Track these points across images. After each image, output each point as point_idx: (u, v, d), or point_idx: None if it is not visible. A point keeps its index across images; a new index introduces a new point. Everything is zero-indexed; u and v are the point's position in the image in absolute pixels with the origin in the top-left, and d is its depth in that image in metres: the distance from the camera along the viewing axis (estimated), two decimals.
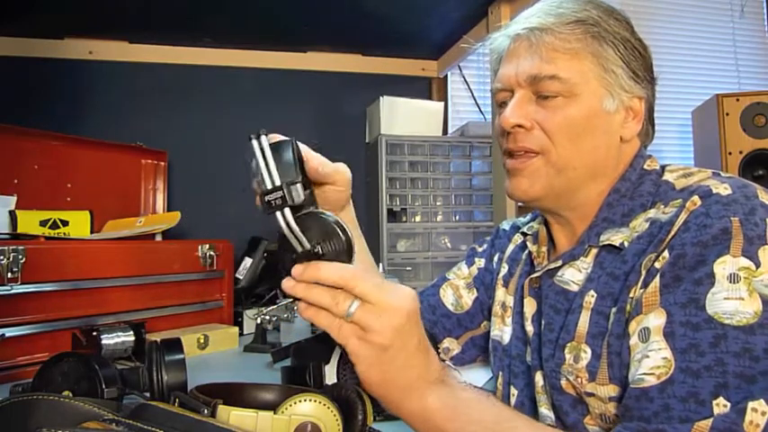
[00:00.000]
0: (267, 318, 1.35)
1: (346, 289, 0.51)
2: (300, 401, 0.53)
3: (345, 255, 0.53)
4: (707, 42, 2.49)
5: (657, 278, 0.56)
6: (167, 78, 1.92)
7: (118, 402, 0.65)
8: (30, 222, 1.44)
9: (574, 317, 0.65)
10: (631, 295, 0.59)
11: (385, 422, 0.73)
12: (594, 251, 0.67)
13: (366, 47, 2.06)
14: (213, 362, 1.24)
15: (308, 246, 0.52)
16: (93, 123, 1.81)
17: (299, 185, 0.53)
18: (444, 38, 1.93)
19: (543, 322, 0.70)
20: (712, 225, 0.54)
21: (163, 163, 1.84)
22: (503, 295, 0.82)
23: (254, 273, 1.62)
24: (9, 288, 1.05)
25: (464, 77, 2.20)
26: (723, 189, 0.57)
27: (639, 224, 0.63)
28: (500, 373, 0.80)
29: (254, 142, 0.54)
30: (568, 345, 0.65)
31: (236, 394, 0.61)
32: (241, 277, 1.60)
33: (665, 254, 0.56)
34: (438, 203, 1.91)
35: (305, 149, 0.63)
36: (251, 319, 1.45)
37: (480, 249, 0.93)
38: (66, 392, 0.70)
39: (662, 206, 0.62)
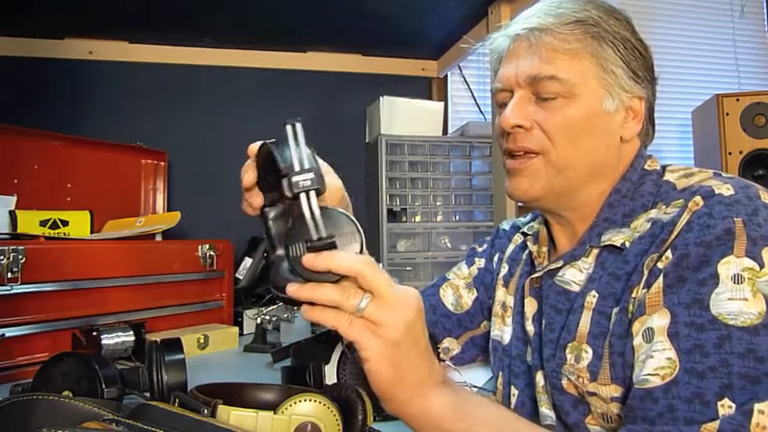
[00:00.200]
0: (267, 318, 1.35)
1: (359, 279, 0.49)
2: (300, 401, 0.53)
3: (357, 251, 0.52)
4: (707, 42, 2.49)
5: (661, 278, 0.56)
6: (167, 78, 1.92)
7: (118, 402, 0.65)
8: (30, 222, 1.44)
9: (575, 317, 0.65)
10: (633, 295, 0.59)
11: (385, 422, 0.73)
12: (595, 251, 0.67)
13: (366, 47, 2.06)
14: (213, 362, 1.24)
15: (324, 233, 0.50)
16: (93, 123, 1.81)
17: (323, 177, 0.52)
18: (444, 38, 1.93)
19: (544, 322, 0.70)
20: (716, 225, 0.54)
21: (163, 163, 1.84)
22: (503, 295, 0.82)
23: (254, 273, 1.62)
24: (9, 288, 1.05)
25: (464, 77, 2.20)
26: (725, 189, 0.57)
27: (641, 224, 0.63)
28: (500, 372, 0.80)
29: (289, 127, 0.53)
30: (569, 345, 0.65)
31: (236, 394, 0.61)
32: (241, 277, 1.60)
33: (668, 254, 0.56)
34: (438, 203, 1.91)
35: None
36: (251, 319, 1.45)
37: (480, 249, 0.93)
38: (66, 392, 0.70)
39: (663, 206, 0.62)
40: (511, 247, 0.86)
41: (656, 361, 0.53)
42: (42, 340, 1.10)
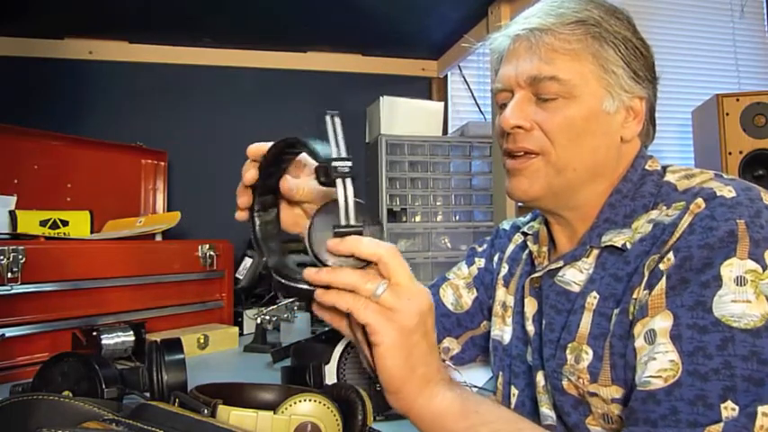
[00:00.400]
0: (267, 318, 1.35)
1: (380, 264, 0.50)
2: (300, 401, 0.53)
3: (380, 236, 0.54)
4: (707, 42, 2.49)
5: (664, 280, 0.55)
6: (167, 78, 1.92)
7: (118, 402, 0.65)
8: (30, 222, 1.44)
9: (575, 317, 0.65)
10: (635, 296, 0.59)
11: (385, 422, 0.73)
12: (596, 252, 0.67)
13: (366, 47, 2.06)
14: (213, 362, 1.24)
15: (353, 221, 0.52)
16: (93, 123, 1.81)
17: None
18: (444, 38, 1.93)
19: (544, 322, 0.70)
20: (718, 228, 0.54)
21: (163, 163, 1.84)
22: (503, 295, 0.82)
23: (254, 273, 1.61)
24: (9, 288, 1.05)
25: (464, 77, 2.20)
26: (727, 192, 0.57)
27: (642, 225, 0.63)
28: (500, 372, 0.80)
29: (329, 117, 0.55)
30: (569, 345, 0.65)
31: (236, 394, 0.61)
32: (241, 277, 1.60)
33: (670, 255, 0.56)
34: (438, 203, 1.91)
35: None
36: (251, 319, 1.45)
37: (480, 249, 0.93)
38: (66, 392, 0.70)
39: (664, 207, 0.62)
40: (511, 247, 0.86)
41: (659, 363, 0.53)
42: (42, 340, 1.10)
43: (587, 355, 0.62)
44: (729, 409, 0.48)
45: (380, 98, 1.89)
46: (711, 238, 0.54)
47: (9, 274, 1.04)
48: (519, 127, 0.67)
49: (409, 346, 0.50)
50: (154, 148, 1.81)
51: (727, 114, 1.79)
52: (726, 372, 0.49)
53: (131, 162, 1.78)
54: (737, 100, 1.79)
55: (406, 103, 1.91)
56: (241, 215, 0.63)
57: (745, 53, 2.52)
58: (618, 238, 0.64)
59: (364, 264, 0.52)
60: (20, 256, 1.06)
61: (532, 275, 0.74)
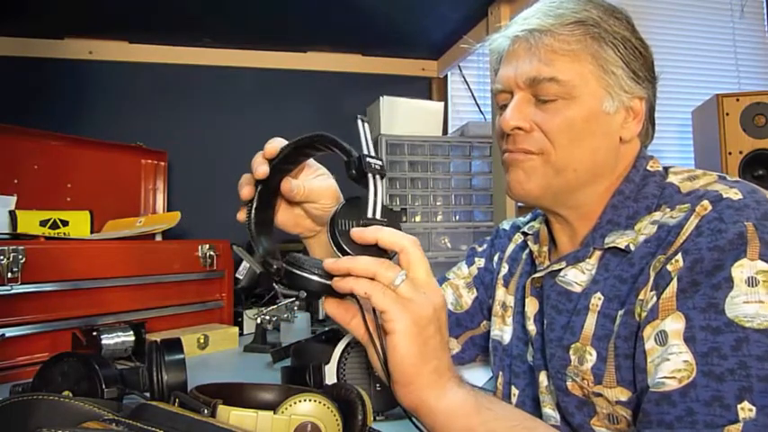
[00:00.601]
0: (267, 318, 1.35)
1: (402, 254, 0.52)
2: (300, 401, 0.53)
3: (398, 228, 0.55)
4: (707, 42, 2.49)
5: (674, 283, 0.55)
6: (167, 78, 1.92)
7: (118, 402, 0.65)
8: (30, 222, 1.44)
9: (579, 318, 0.65)
10: (641, 297, 0.59)
11: (385, 422, 0.73)
12: (598, 253, 0.67)
13: (366, 47, 2.06)
14: (213, 362, 1.24)
15: (379, 216, 0.54)
16: (93, 123, 1.81)
17: None
18: (444, 38, 1.93)
19: (546, 322, 0.70)
20: (727, 230, 0.54)
21: (163, 163, 1.84)
22: (503, 295, 0.82)
23: (253, 273, 1.62)
24: (9, 288, 1.05)
25: (464, 77, 2.20)
26: (733, 194, 0.57)
27: (645, 227, 0.63)
28: (500, 372, 0.80)
29: (360, 121, 0.58)
30: (573, 346, 0.65)
31: (236, 394, 0.61)
32: (241, 277, 1.60)
33: (679, 257, 0.56)
34: (438, 203, 1.91)
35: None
36: (251, 319, 1.45)
37: (480, 249, 0.93)
38: (66, 392, 0.70)
39: (668, 209, 0.62)
40: (511, 247, 0.86)
41: (672, 364, 0.52)
42: (42, 340, 1.10)
43: (591, 357, 0.62)
44: (746, 410, 0.48)
45: (380, 98, 1.89)
46: (721, 241, 0.54)
47: (9, 274, 1.04)
48: (519, 128, 0.67)
49: (424, 336, 0.50)
50: (154, 148, 1.81)
51: (727, 114, 1.79)
52: (741, 372, 0.49)
53: (131, 162, 1.78)
54: (737, 100, 1.79)
55: (406, 103, 1.91)
56: (243, 216, 0.63)
57: (745, 53, 2.52)
58: (621, 240, 0.64)
59: (384, 257, 0.53)
60: (20, 256, 1.06)
61: (534, 275, 0.74)
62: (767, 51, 2.54)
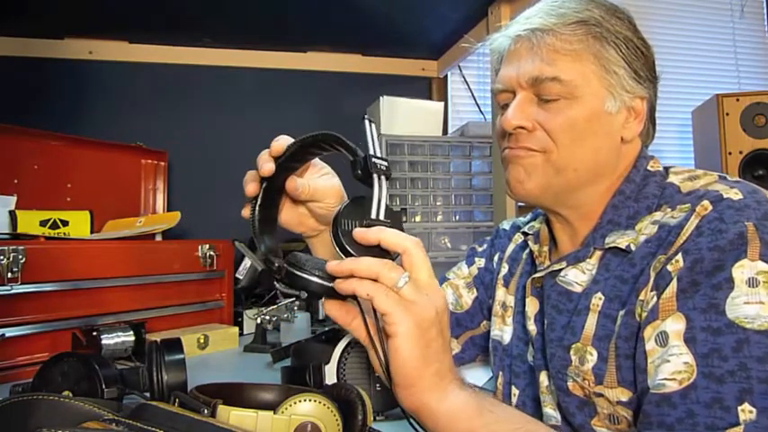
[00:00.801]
0: (267, 318, 1.35)
1: (405, 256, 0.51)
2: (300, 401, 0.53)
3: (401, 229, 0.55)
4: (707, 42, 2.49)
5: (674, 283, 0.55)
6: (167, 78, 1.92)
7: (118, 402, 0.65)
8: (30, 222, 1.44)
9: (580, 318, 0.65)
10: (641, 298, 0.59)
11: (385, 422, 0.73)
12: (599, 253, 0.67)
13: (366, 47, 2.06)
14: (213, 362, 1.24)
15: (383, 216, 0.54)
16: (93, 123, 1.81)
17: None
18: (444, 38, 1.93)
19: (546, 322, 0.70)
20: (728, 230, 0.54)
21: (163, 163, 1.84)
22: (503, 295, 0.82)
23: (254, 273, 1.62)
24: (9, 288, 1.04)
25: (464, 77, 2.20)
26: (734, 194, 0.57)
27: (645, 227, 0.63)
28: (500, 372, 0.80)
29: (367, 122, 0.58)
30: (573, 346, 0.65)
31: (236, 394, 0.61)
32: (241, 277, 1.60)
33: (679, 257, 0.56)
34: (438, 203, 1.91)
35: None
36: (251, 319, 1.45)
37: (480, 249, 0.93)
38: (66, 392, 0.70)
39: (668, 209, 0.62)
40: (511, 247, 0.86)
41: (673, 365, 0.52)
42: (42, 340, 1.10)
43: (592, 357, 0.62)
44: (747, 412, 0.48)
45: (380, 98, 1.89)
46: (721, 241, 0.54)
47: (9, 274, 1.04)
48: (521, 127, 0.66)
49: (426, 339, 0.50)
50: (154, 148, 1.81)
51: (727, 114, 1.79)
52: (741, 374, 0.49)
53: (131, 162, 1.78)
54: (737, 100, 1.79)
55: (406, 103, 1.91)
56: (248, 212, 0.63)
57: (745, 53, 2.52)
58: (622, 240, 0.64)
59: (387, 258, 0.53)
60: (20, 256, 1.06)
61: (534, 275, 0.74)
62: (767, 51, 2.54)
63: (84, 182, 1.64)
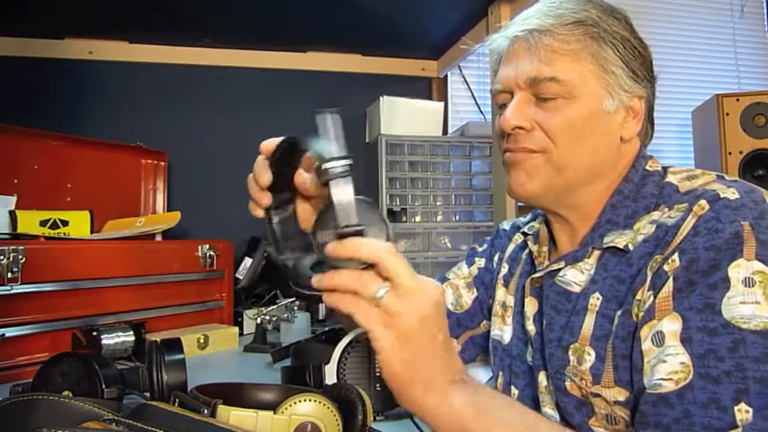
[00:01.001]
0: (267, 318, 1.35)
1: (379, 265, 0.49)
2: (300, 401, 0.53)
3: (384, 235, 0.52)
4: (707, 42, 2.49)
5: (670, 283, 0.55)
6: (167, 78, 1.92)
7: (118, 402, 0.65)
8: (30, 222, 1.44)
9: (578, 318, 0.65)
10: (638, 297, 0.59)
11: (385, 422, 0.73)
12: (597, 253, 0.67)
13: (366, 47, 2.06)
14: (213, 362, 1.24)
15: (355, 220, 0.50)
16: (93, 123, 1.81)
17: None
18: (444, 38, 1.93)
19: (545, 322, 0.70)
20: (724, 229, 0.54)
21: (163, 163, 1.84)
22: (503, 295, 0.82)
23: (254, 273, 1.62)
24: (9, 288, 1.05)
25: (464, 77, 2.20)
26: (731, 194, 0.57)
27: (643, 226, 0.63)
28: (500, 372, 0.80)
29: (328, 115, 0.52)
30: (572, 346, 0.65)
31: (236, 394, 0.61)
32: (241, 277, 1.61)
33: (675, 257, 0.56)
34: (438, 203, 1.91)
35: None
36: (251, 319, 1.45)
37: (480, 249, 0.93)
38: (66, 392, 0.70)
39: (666, 209, 0.62)
40: (511, 247, 0.86)
41: (669, 365, 0.52)
42: (42, 340, 1.10)
43: (590, 357, 0.62)
44: (743, 412, 0.48)
45: (380, 98, 1.89)
46: (717, 240, 0.54)
47: (9, 274, 1.04)
48: (520, 128, 0.67)
49: (411, 350, 0.50)
50: (154, 148, 1.81)
51: (727, 114, 1.79)
52: (738, 374, 0.49)
53: (131, 162, 1.78)
54: (737, 100, 1.79)
55: (406, 103, 1.91)
56: (258, 212, 0.62)
57: (745, 53, 2.52)
58: (620, 240, 0.64)
59: (367, 264, 0.50)
60: (20, 256, 1.06)
61: (533, 275, 0.74)
62: (767, 51, 2.54)
63: (84, 182, 1.65)
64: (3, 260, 1.03)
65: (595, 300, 0.64)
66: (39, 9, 1.60)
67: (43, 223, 1.46)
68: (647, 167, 0.68)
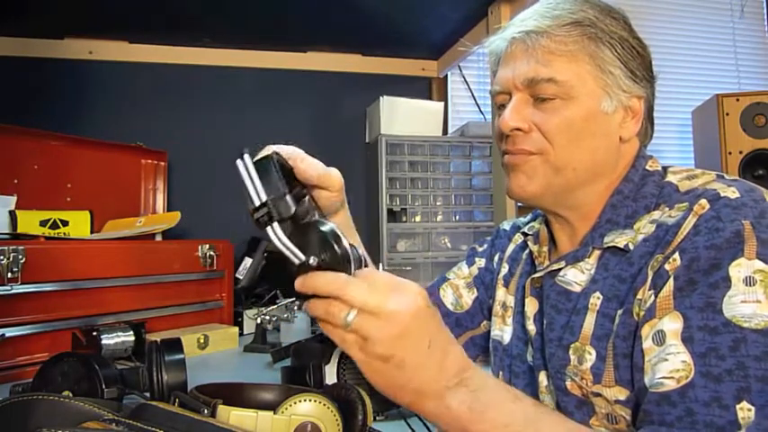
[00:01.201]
0: (267, 318, 1.35)
1: (341, 298, 0.48)
2: (300, 401, 0.53)
3: (341, 265, 0.50)
4: (707, 42, 2.49)
5: (671, 282, 0.55)
6: (167, 78, 1.93)
7: (118, 402, 0.65)
8: (30, 222, 1.44)
9: (579, 318, 0.65)
10: (639, 297, 0.59)
11: (385, 422, 0.73)
12: (598, 252, 0.67)
13: (366, 47, 2.06)
14: (213, 362, 1.24)
15: (302, 257, 0.51)
16: (93, 123, 1.81)
17: (288, 198, 0.53)
18: (444, 38, 1.93)
19: (545, 322, 0.70)
20: (724, 228, 0.54)
21: (163, 163, 1.84)
22: (503, 295, 0.82)
23: (254, 273, 1.62)
24: (9, 288, 1.05)
25: (464, 77, 2.20)
26: (731, 193, 0.57)
27: (644, 226, 0.63)
28: (500, 372, 0.80)
29: (239, 161, 0.54)
30: (572, 346, 0.65)
31: (236, 394, 0.61)
32: (241, 277, 1.60)
33: (676, 256, 0.56)
34: (438, 203, 1.91)
35: (296, 155, 0.62)
36: (251, 319, 1.45)
37: (481, 249, 0.93)
38: (66, 392, 0.70)
39: (666, 209, 0.62)
40: (511, 247, 0.86)
41: (671, 364, 0.52)
42: (42, 340, 1.10)
43: (590, 356, 0.62)
44: (745, 410, 0.48)
45: (380, 98, 1.90)
46: (718, 239, 0.54)
47: (9, 274, 1.04)
48: (518, 129, 0.67)
49: (394, 366, 0.49)
50: (154, 148, 1.81)
51: (727, 114, 1.79)
52: (739, 373, 0.49)
53: (131, 162, 1.79)
54: (737, 100, 1.79)
55: (406, 103, 1.91)
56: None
57: (745, 53, 2.52)
58: (620, 239, 0.64)
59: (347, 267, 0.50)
60: (20, 256, 1.06)
61: (533, 275, 0.74)
62: (767, 51, 2.54)
63: (84, 182, 1.65)
64: (3, 260, 1.04)
65: (596, 299, 0.64)
66: (39, 9, 1.60)
67: (43, 223, 1.46)
68: (647, 167, 0.68)
